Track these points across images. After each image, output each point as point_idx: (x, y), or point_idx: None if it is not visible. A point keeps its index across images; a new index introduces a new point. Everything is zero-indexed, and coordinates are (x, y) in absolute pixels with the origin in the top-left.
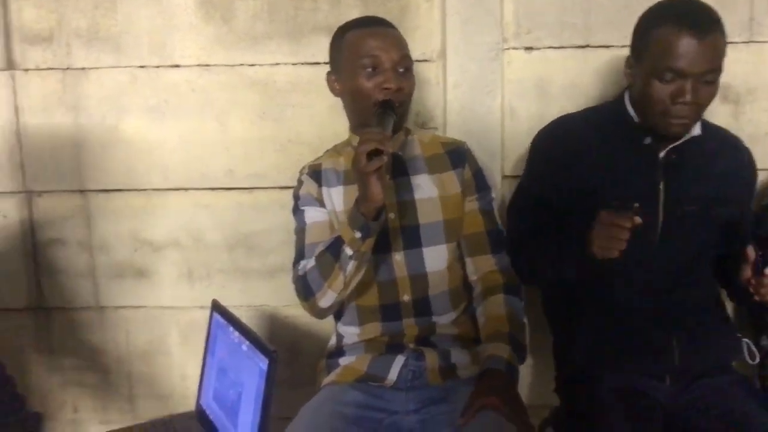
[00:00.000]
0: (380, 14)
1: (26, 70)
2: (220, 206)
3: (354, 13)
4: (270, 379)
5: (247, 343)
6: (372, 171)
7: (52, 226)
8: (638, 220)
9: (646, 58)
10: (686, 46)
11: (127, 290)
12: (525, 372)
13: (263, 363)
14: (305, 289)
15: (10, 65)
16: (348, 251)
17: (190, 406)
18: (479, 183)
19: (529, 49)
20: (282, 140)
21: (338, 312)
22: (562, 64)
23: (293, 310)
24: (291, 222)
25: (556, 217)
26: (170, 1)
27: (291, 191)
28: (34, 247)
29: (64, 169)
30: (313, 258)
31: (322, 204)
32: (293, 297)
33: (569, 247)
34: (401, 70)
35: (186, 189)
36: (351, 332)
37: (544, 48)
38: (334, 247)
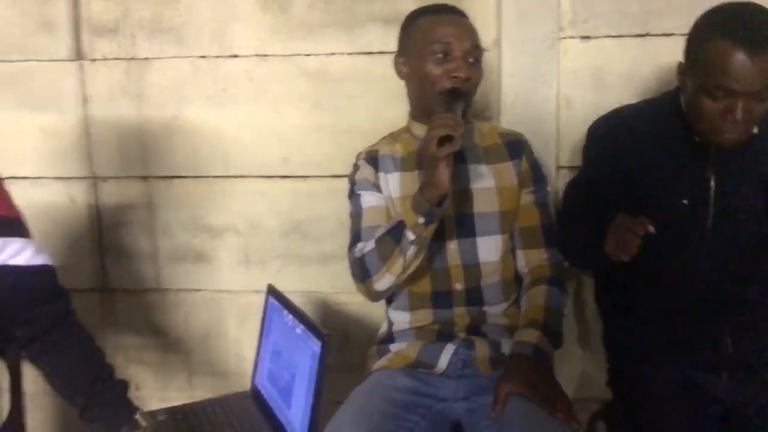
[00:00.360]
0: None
1: (93, 60)
2: (276, 194)
3: (409, 4)
4: (323, 361)
5: (301, 326)
6: (442, 156)
7: (117, 210)
8: (651, 228)
9: (697, 71)
10: (739, 64)
11: (187, 273)
12: (575, 365)
13: (316, 346)
14: (362, 272)
15: (79, 55)
16: (410, 236)
17: (245, 386)
18: (536, 175)
19: (585, 38)
20: (336, 129)
21: (390, 297)
22: (620, 54)
23: (344, 297)
24: (344, 210)
25: (604, 202)
26: None
27: (344, 179)
28: (99, 231)
29: (129, 155)
30: (373, 241)
31: (378, 189)
32: (345, 284)
33: (600, 237)
34: (471, 60)
35: (244, 176)
36: (401, 318)
37: (601, 37)
38: (396, 231)
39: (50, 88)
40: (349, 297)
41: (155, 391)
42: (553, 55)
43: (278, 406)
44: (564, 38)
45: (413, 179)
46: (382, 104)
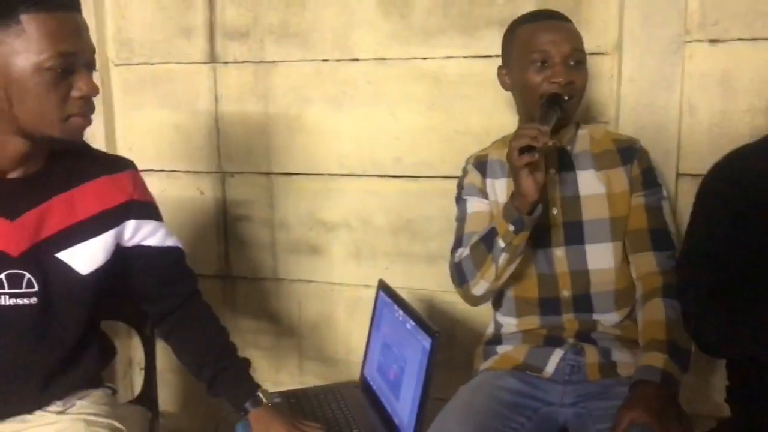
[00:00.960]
0: (555, 7)
1: (225, 63)
2: (388, 192)
3: (529, 6)
4: (432, 357)
5: (411, 322)
6: (522, 166)
7: (241, 204)
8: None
9: None
10: None
11: (302, 265)
12: (686, 377)
13: (426, 342)
14: (460, 277)
15: (213, 58)
16: (500, 243)
17: (353, 375)
18: (647, 180)
19: (714, 41)
20: (449, 131)
21: (497, 301)
22: (752, 58)
23: (451, 296)
24: (452, 210)
25: (743, 276)
26: (353, 0)
27: (454, 181)
28: (224, 222)
29: (254, 152)
30: (468, 247)
31: (484, 195)
32: (451, 283)
33: None
34: (572, 63)
35: (358, 175)
36: (509, 322)
37: (732, 40)
38: (488, 238)
39: (186, 89)
40: (456, 296)
41: (268, 375)
42: (677, 59)
43: (387, 397)
44: (690, 41)
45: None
46: (496, 107)
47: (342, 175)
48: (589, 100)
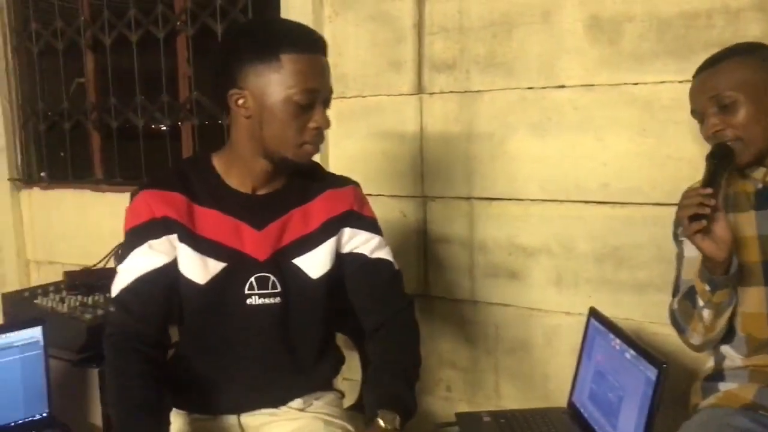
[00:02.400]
0: None
1: (431, 93)
2: (592, 218)
3: (753, 29)
4: (658, 388)
5: (632, 351)
6: (693, 233)
7: (441, 226)
8: None
9: None
10: None
11: (500, 289)
12: None
13: (651, 372)
14: (676, 325)
15: (420, 90)
16: (700, 302)
17: (550, 402)
18: None
19: None
20: (661, 156)
21: (727, 336)
22: None
23: (660, 328)
24: (663, 238)
25: None
26: (561, 27)
27: (666, 208)
28: (425, 244)
29: (456, 178)
30: (677, 300)
31: None
32: (661, 315)
33: None
34: (718, 109)
35: (561, 201)
36: (734, 356)
37: None
38: (691, 295)
39: (393, 119)
40: (666, 328)
41: (464, 395)
42: None
43: (601, 425)
44: None
45: (740, 221)
46: None
47: (544, 200)
48: None
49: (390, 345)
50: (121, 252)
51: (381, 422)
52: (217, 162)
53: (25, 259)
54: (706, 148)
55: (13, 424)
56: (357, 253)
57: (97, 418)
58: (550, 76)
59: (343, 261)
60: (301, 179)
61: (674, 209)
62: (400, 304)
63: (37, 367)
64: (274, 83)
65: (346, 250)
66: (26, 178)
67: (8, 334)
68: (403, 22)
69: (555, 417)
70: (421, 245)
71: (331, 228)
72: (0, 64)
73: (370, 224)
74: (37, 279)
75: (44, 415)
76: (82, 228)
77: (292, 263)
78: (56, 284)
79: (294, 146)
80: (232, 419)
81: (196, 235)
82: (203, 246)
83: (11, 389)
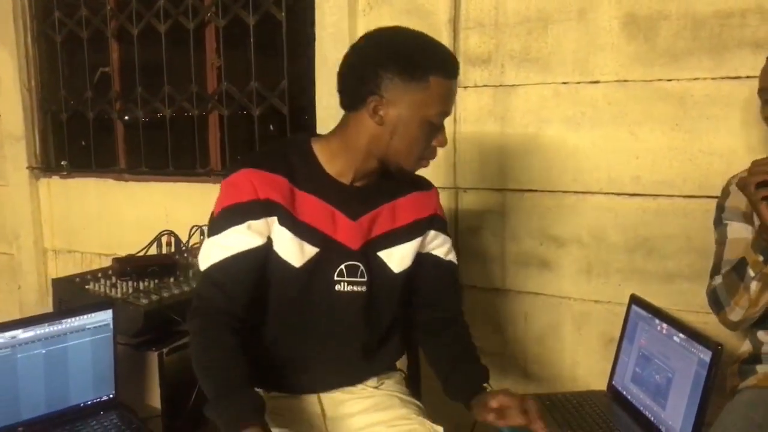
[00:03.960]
0: None
1: (466, 87)
2: (624, 210)
3: None
4: (713, 369)
5: (681, 335)
6: (758, 200)
7: (474, 217)
8: None
9: None
10: None
11: (530, 278)
12: None
13: (704, 354)
14: (716, 303)
15: None
16: (751, 273)
17: (577, 388)
18: None
19: None
20: (692, 150)
21: (761, 320)
22: None
23: (687, 315)
24: (693, 230)
25: None
26: (596, 24)
27: (696, 200)
28: (457, 233)
29: (489, 170)
30: (722, 275)
31: (749, 219)
32: (689, 303)
33: None
34: None
35: (593, 192)
36: None
37: None
38: (740, 268)
39: None
40: (694, 316)
41: (493, 380)
42: None
43: (647, 406)
44: None
45: None
46: (744, 128)
47: (577, 192)
48: None
49: (464, 337)
50: (215, 225)
51: (487, 388)
52: (319, 149)
53: (42, 248)
54: (738, 143)
55: (82, 404)
56: (434, 254)
57: (156, 401)
58: (584, 72)
59: (419, 261)
60: (390, 176)
61: (705, 201)
62: (460, 305)
63: (107, 349)
64: (417, 102)
65: (425, 250)
66: (45, 166)
67: (81, 317)
68: (438, 16)
69: (597, 399)
70: (454, 235)
71: (418, 228)
72: (20, 51)
73: (446, 227)
74: (54, 268)
75: (111, 396)
76: (104, 217)
77: (377, 255)
78: (103, 270)
79: (416, 160)
80: (311, 397)
81: (296, 219)
82: (301, 230)
83: (82, 370)
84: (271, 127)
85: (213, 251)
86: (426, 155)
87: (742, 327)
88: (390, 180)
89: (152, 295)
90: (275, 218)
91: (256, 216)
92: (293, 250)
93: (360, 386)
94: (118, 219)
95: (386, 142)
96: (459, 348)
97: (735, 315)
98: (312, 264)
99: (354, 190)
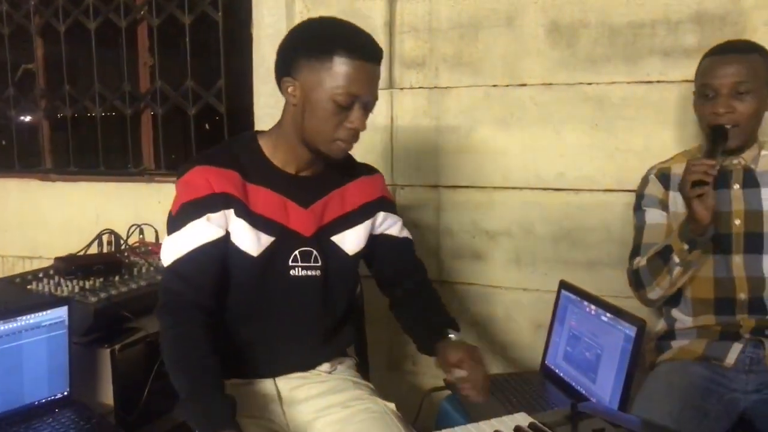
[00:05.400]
0: (715, 40)
1: (401, 88)
2: (549, 204)
3: (689, 39)
4: (638, 343)
5: (608, 314)
6: (693, 197)
7: (409, 212)
8: None
9: None
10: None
11: (464, 269)
12: None
13: (630, 330)
14: (637, 283)
15: (391, 85)
16: (676, 259)
17: (509, 369)
18: None
19: None
20: (610, 148)
21: (672, 300)
22: None
23: (610, 300)
24: (612, 221)
25: None
26: (523, 31)
27: (615, 194)
28: None
29: (424, 167)
30: (645, 258)
31: (665, 207)
32: (610, 288)
33: None
34: (736, 93)
35: (521, 188)
36: (683, 319)
37: None
38: (665, 253)
39: None
40: (614, 300)
41: (428, 369)
42: None
43: (579, 381)
44: None
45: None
46: (656, 127)
47: (506, 188)
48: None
49: (428, 299)
50: (175, 222)
51: (452, 337)
52: (264, 143)
53: None
54: (651, 142)
55: (36, 402)
56: (388, 234)
57: (108, 397)
58: (512, 75)
59: (374, 241)
60: (336, 164)
61: (622, 195)
62: (423, 272)
63: (62, 346)
64: (322, 80)
65: (378, 231)
66: None
67: (36, 314)
68: (374, 21)
69: (531, 378)
70: None
71: (368, 211)
72: None
73: (394, 208)
74: None
75: (65, 393)
76: (27, 218)
77: (331, 240)
78: (44, 270)
79: (328, 141)
80: (268, 383)
81: (251, 211)
82: (257, 221)
83: (37, 368)
84: (207, 126)
85: (175, 246)
86: (341, 136)
87: (657, 304)
88: (335, 169)
89: (100, 293)
90: (232, 210)
91: (214, 209)
92: (250, 240)
93: (314, 371)
94: (42, 220)
95: (300, 123)
96: (424, 305)
97: (654, 294)
98: (268, 252)
99: (302, 180)
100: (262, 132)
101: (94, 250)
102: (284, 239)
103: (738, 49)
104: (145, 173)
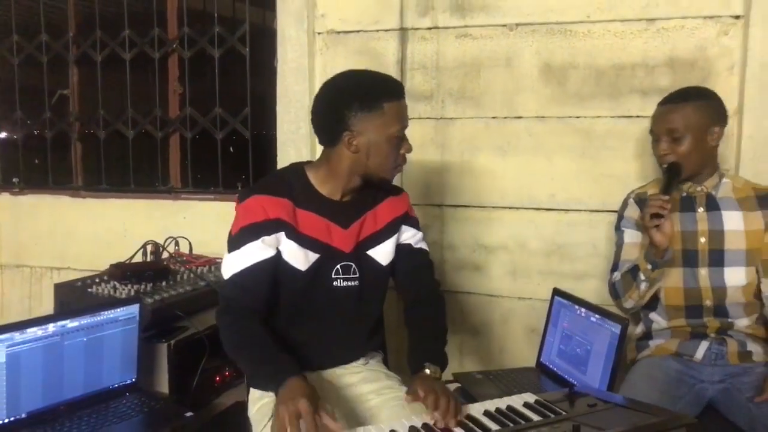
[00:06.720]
0: (685, 82)
1: (411, 118)
2: (542, 222)
3: (664, 80)
4: (623, 339)
5: (597, 315)
6: (651, 227)
7: None
8: None
9: None
10: None
11: (465, 280)
12: None
13: (615, 328)
14: (614, 294)
15: None
16: (641, 276)
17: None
18: None
19: None
20: (595, 174)
21: (650, 305)
22: None
23: None
24: (599, 238)
25: None
26: (520, 71)
27: (600, 214)
28: None
29: (430, 189)
30: (620, 273)
31: (640, 227)
32: (595, 297)
33: None
34: (672, 139)
35: (517, 208)
36: (659, 321)
37: None
38: (634, 271)
39: None
40: None
41: None
42: None
43: (571, 374)
44: None
45: (672, 220)
46: (635, 156)
47: (503, 207)
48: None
49: (427, 314)
50: (234, 242)
51: (428, 371)
52: (311, 174)
53: None
54: (630, 168)
55: (111, 387)
56: (406, 244)
57: (163, 386)
58: (510, 109)
59: (397, 249)
60: (369, 189)
61: (606, 215)
62: (432, 283)
63: (133, 338)
64: (379, 126)
65: (400, 241)
66: None
67: (115, 310)
68: (387, 58)
69: (528, 373)
70: None
71: (395, 225)
72: None
73: (416, 223)
74: (0, 282)
75: (133, 380)
76: (56, 232)
77: (367, 254)
78: (99, 275)
79: (391, 170)
80: (313, 374)
81: (299, 232)
82: (304, 241)
83: (113, 357)
84: (231, 149)
85: (234, 262)
86: (399, 163)
87: (632, 311)
88: (369, 191)
89: (154, 296)
90: (283, 233)
91: (269, 232)
92: (299, 258)
93: (350, 365)
94: (72, 234)
95: (364, 164)
96: (421, 327)
97: (628, 304)
98: (314, 267)
99: (343, 205)
100: (308, 164)
101: (130, 257)
102: (328, 256)
103: (675, 100)
104: (172, 191)
